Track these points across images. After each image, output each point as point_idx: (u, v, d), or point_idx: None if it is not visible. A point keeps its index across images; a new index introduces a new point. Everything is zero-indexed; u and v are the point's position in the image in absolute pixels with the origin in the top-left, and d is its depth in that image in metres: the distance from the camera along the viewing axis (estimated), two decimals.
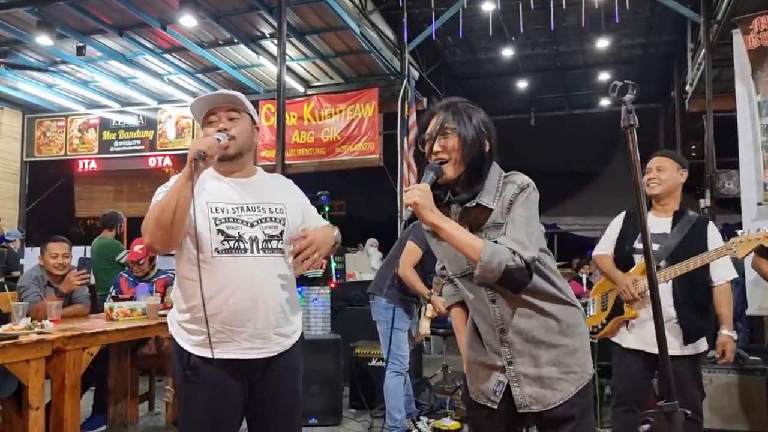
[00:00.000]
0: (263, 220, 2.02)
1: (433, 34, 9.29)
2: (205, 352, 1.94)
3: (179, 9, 7.00)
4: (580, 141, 14.73)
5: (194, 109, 2.08)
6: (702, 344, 2.89)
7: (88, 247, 6.38)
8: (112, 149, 10.78)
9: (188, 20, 7.27)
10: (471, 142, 1.76)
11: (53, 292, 3.92)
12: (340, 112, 9.75)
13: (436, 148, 1.77)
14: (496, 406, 1.85)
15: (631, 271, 2.93)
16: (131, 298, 4.41)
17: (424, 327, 4.06)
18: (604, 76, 12.98)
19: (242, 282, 1.94)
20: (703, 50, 7.78)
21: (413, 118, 9.41)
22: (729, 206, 10.14)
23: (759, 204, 5.49)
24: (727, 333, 2.92)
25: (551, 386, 1.78)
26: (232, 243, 1.95)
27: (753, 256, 3.79)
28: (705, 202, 7.43)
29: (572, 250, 10.96)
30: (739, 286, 5.66)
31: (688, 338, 2.81)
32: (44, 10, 7.22)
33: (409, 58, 9.65)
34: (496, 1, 8.43)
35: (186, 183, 1.84)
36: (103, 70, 9.31)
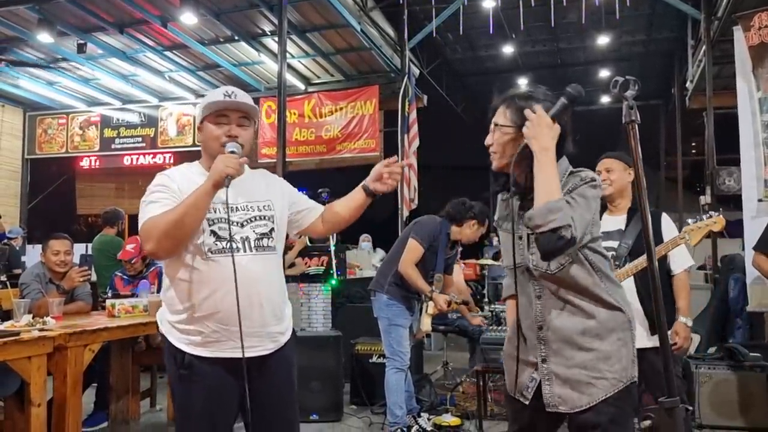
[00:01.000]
0: (253, 219, 2.02)
1: (434, 31, 9.28)
2: (201, 351, 1.96)
3: (180, 6, 6.99)
4: (580, 137, 14.69)
5: (206, 102, 2.05)
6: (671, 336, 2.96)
7: (90, 245, 6.40)
8: (113, 147, 10.78)
9: (189, 17, 7.25)
10: (516, 136, 1.80)
11: (55, 289, 3.93)
12: (341, 109, 9.74)
13: (488, 141, 1.87)
14: (527, 402, 1.87)
15: None
16: (131, 295, 4.42)
17: (425, 324, 4.07)
18: (604, 73, 12.96)
19: (234, 282, 1.92)
20: (704, 47, 7.77)
21: (414, 115, 9.39)
22: (729, 203, 10.13)
23: (759, 200, 5.50)
24: (683, 320, 2.99)
25: (579, 389, 1.77)
26: (224, 243, 1.95)
27: (753, 255, 3.81)
28: (705, 199, 7.43)
29: None
30: (739, 282, 5.67)
31: (654, 329, 2.85)
32: (45, 7, 7.20)
33: (410, 56, 9.63)
34: None
35: (207, 199, 1.86)
36: (104, 67, 9.31)
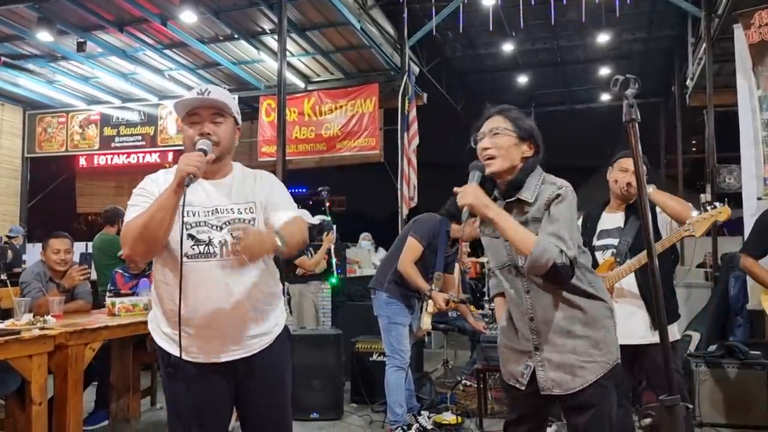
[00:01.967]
0: (231, 222, 1.97)
1: (434, 30, 9.27)
2: (183, 354, 1.94)
3: (180, 5, 6.99)
4: (580, 136, 14.73)
5: (177, 108, 2.02)
6: (672, 332, 2.93)
7: (90, 243, 6.39)
8: (113, 145, 10.78)
9: (188, 16, 7.25)
10: (519, 142, 1.97)
11: (55, 288, 3.93)
12: (341, 107, 9.74)
13: (486, 144, 1.97)
14: (523, 388, 2.03)
15: (597, 270, 2.99)
16: (131, 294, 4.42)
17: (425, 322, 4.07)
18: (604, 71, 12.95)
19: (213, 287, 1.92)
20: (704, 45, 7.76)
21: (413, 113, 9.39)
22: (730, 201, 10.12)
23: (759, 198, 5.49)
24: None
25: (572, 372, 1.94)
26: (202, 248, 1.92)
27: (741, 257, 3.74)
28: (705, 197, 7.41)
29: None
30: (739, 281, 5.66)
31: (655, 324, 2.85)
32: (44, 6, 7.20)
33: (410, 54, 9.62)
34: None
35: (173, 200, 1.82)
36: (104, 66, 9.30)
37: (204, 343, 1.96)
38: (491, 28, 9.55)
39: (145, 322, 3.68)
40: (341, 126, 9.69)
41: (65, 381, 3.15)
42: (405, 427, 3.98)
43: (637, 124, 1.32)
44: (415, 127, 9.33)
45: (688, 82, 9.83)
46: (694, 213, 2.86)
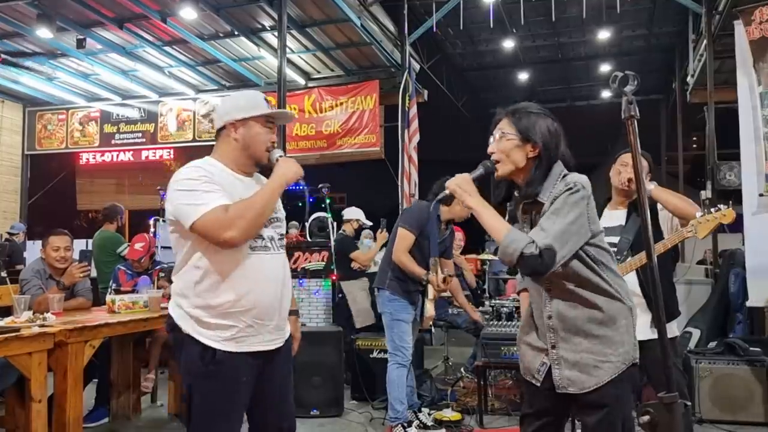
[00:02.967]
0: (273, 220, 2.15)
1: (434, 26, 9.25)
2: (231, 347, 2.01)
3: (179, 1, 6.98)
4: (581, 132, 14.64)
5: (257, 106, 2.14)
6: (672, 329, 2.93)
7: (90, 240, 6.39)
8: (113, 142, 10.77)
9: (188, 12, 7.24)
10: (520, 144, 1.95)
11: (55, 285, 3.93)
12: (341, 104, 9.73)
13: (492, 149, 1.98)
14: (539, 384, 2.04)
15: None
16: (131, 291, 4.42)
17: (428, 309, 4.06)
18: (605, 68, 12.94)
19: (270, 278, 2.09)
20: (705, 41, 7.74)
21: (414, 110, 9.37)
22: (730, 197, 10.11)
23: (760, 195, 5.48)
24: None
25: (587, 372, 1.93)
26: (260, 242, 2.08)
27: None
28: (706, 193, 7.41)
29: None
30: (739, 277, 5.67)
31: (655, 321, 2.84)
32: (44, 2, 7.19)
33: (410, 50, 9.60)
34: None
35: (278, 196, 2.09)
36: (104, 62, 9.29)
37: (258, 331, 2.06)
38: (491, 25, 9.55)
39: (145, 320, 3.74)
40: (342, 123, 9.68)
41: (65, 378, 3.15)
42: (405, 424, 3.98)
43: (636, 121, 1.32)
44: (415, 123, 9.32)
45: (688, 78, 9.82)
46: (698, 213, 2.83)
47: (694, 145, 15.25)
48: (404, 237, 3.99)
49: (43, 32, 7.37)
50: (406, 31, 9.40)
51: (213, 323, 2.01)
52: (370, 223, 6.25)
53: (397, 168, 9.30)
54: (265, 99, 2.18)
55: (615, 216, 3.07)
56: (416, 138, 9.28)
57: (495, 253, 7.31)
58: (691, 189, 13.03)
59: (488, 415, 4.43)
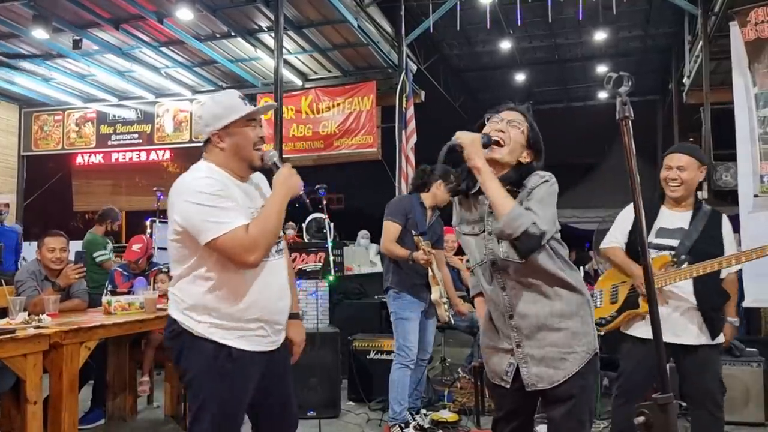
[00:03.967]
0: None
1: (431, 27, 9.26)
2: (244, 345, 2.05)
3: (176, 2, 6.97)
4: (578, 133, 14.71)
5: (236, 109, 2.08)
6: (721, 336, 2.86)
7: None
8: (109, 143, 10.75)
9: (185, 13, 7.23)
10: (525, 144, 1.98)
11: (51, 287, 3.92)
12: (338, 105, 9.72)
13: (501, 128, 1.96)
14: (508, 386, 2.03)
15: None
16: (128, 292, 4.41)
17: (441, 314, 4.04)
18: (601, 69, 12.97)
19: (276, 282, 2.14)
20: (701, 42, 7.76)
21: (411, 111, 9.38)
22: (726, 198, 10.13)
23: (756, 196, 5.49)
24: (731, 320, 2.93)
25: (554, 365, 1.94)
26: None
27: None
28: (702, 194, 7.43)
29: (570, 243, 10.98)
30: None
31: (708, 327, 2.80)
32: (40, 3, 7.17)
33: (407, 51, 9.61)
34: None
35: (285, 206, 2.08)
36: (100, 63, 9.27)
37: (268, 332, 2.12)
38: (488, 26, 9.55)
39: (142, 321, 3.73)
40: (339, 124, 9.67)
41: (60, 380, 3.14)
42: (402, 425, 3.97)
43: (631, 122, 1.31)
44: (412, 124, 9.32)
45: (685, 79, 9.84)
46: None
47: None
48: (388, 228, 3.99)
49: (39, 33, 7.36)
50: (403, 32, 9.40)
51: (229, 325, 2.05)
52: None
53: (395, 169, 9.30)
54: (240, 97, 2.12)
55: (677, 218, 2.90)
56: (413, 139, 9.28)
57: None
58: None
59: (485, 416, 4.43)
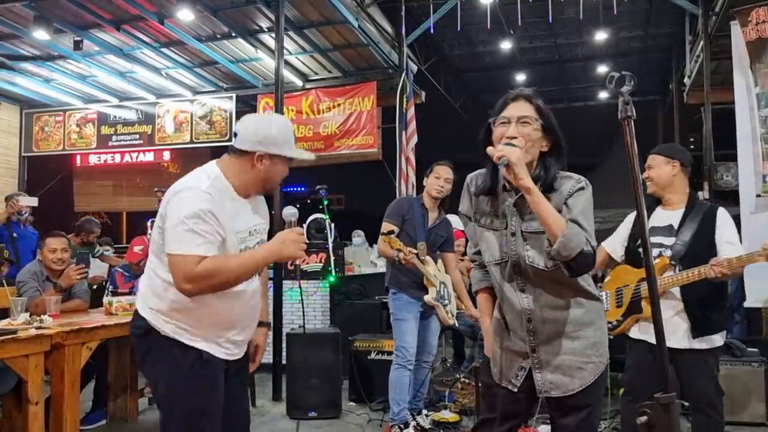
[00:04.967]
0: (260, 243, 2.19)
1: (431, 28, 9.25)
2: (213, 350, 2.08)
3: (176, 3, 6.97)
4: (578, 134, 14.65)
5: (287, 140, 2.15)
6: (716, 340, 2.85)
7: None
8: (110, 144, 10.74)
9: (186, 14, 7.22)
10: (543, 135, 1.88)
11: (52, 287, 3.92)
12: (339, 105, 9.72)
13: (514, 133, 1.84)
14: (516, 389, 1.97)
15: (642, 269, 2.91)
16: (129, 293, 4.42)
17: (444, 318, 4.03)
18: (602, 69, 12.95)
19: (247, 295, 2.14)
20: (702, 42, 7.76)
21: (412, 111, 9.36)
22: (728, 198, 10.11)
23: (758, 196, 5.49)
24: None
25: (571, 374, 1.89)
26: None
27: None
28: (703, 194, 7.43)
29: None
30: (736, 279, 5.67)
31: (695, 331, 2.79)
32: (41, 4, 7.17)
33: (408, 52, 9.60)
34: None
35: (262, 267, 2.09)
36: (101, 64, 9.27)
37: (242, 341, 2.20)
38: (489, 26, 9.54)
39: None
40: (339, 124, 9.66)
41: (62, 380, 3.15)
42: (402, 426, 3.97)
43: (632, 122, 1.31)
44: (413, 125, 9.31)
45: (685, 79, 9.83)
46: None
47: (692, 146, 15.21)
48: (383, 229, 3.99)
49: (40, 34, 7.35)
50: (403, 33, 9.39)
51: (197, 333, 2.05)
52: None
53: (395, 169, 9.29)
54: (293, 131, 2.22)
55: (667, 216, 2.95)
56: (414, 139, 9.27)
57: None
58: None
59: None
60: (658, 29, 11.16)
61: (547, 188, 1.85)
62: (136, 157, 10.73)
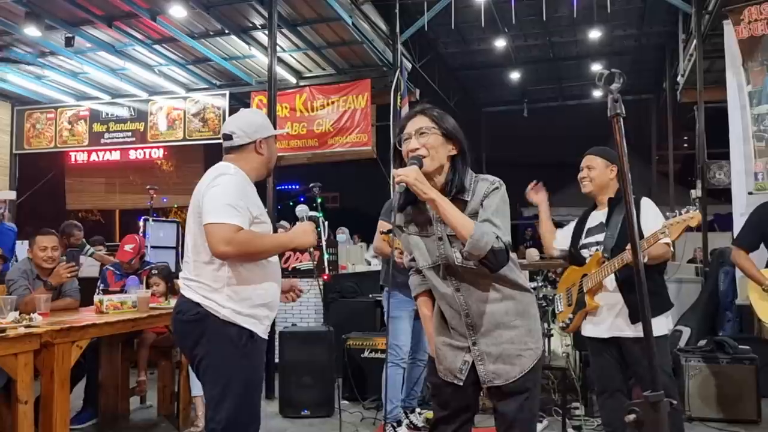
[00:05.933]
0: (279, 228, 2.41)
1: (426, 25, 9.24)
2: (260, 331, 2.35)
3: None
4: (572, 132, 14.71)
5: (269, 123, 2.53)
6: (658, 326, 2.81)
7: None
8: (102, 141, 10.69)
9: (178, 11, 7.20)
10: (445, 141, 1.99)
11: (42, 286, 3.89)
12: (333, 103, 9.70)
13: (415, 145, 1.97)
14: (461, 383, 2.08)
15: (586, 267, 3.02)
16: (120, 291, 4.39)
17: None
18: (596, 67, 12.96)
19: (277, 275, 2.46)
20: (695, 41, 7.78)
21: (406, 109, 9.36)
22: (720, 197, 10.17)
23: (750, 194, 5.52)
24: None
25: (511, 362, 2.01)
26: None
27: (732, 250, 3.79)
28: (696, 192, 7.45)
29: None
30: (729, 276, 5.69)
31: (633, 317, 2.86)
32: (32, 0, 7.13)
33: (402, 50, 9.59)
34: None
35: (283, 249, 2.50)
36: (93, 61, 9.22)
37: (267, 322, 2.41)
38: (483, 24, 9.54)
39: (134, 320, 3.71)
40: (333, 122, 9.65)
41: (52, 379, 3.12)
42: (395, 424, 3.97)
43: (621, 120, 1.31)
44: None
45: (679, 78, 9.86)
46: (669, 215, 2.78)
47: (685, 145, 15.32)
48: (379, 226, 4.02)
49: (32, 30, 7.30)
50: (398, 30, 9.38)
51: (247, 312, 2.29)
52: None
53: (389, 167, 9.28)
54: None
55: (598, 216, 3.10)
56: None
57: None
58: (681, 188, 13.12)
59: (479, 414, 4.42)
60: (651, 28, 11.18)
61: (461, 189, 1.98)
62: (129, 155, 10.68)
